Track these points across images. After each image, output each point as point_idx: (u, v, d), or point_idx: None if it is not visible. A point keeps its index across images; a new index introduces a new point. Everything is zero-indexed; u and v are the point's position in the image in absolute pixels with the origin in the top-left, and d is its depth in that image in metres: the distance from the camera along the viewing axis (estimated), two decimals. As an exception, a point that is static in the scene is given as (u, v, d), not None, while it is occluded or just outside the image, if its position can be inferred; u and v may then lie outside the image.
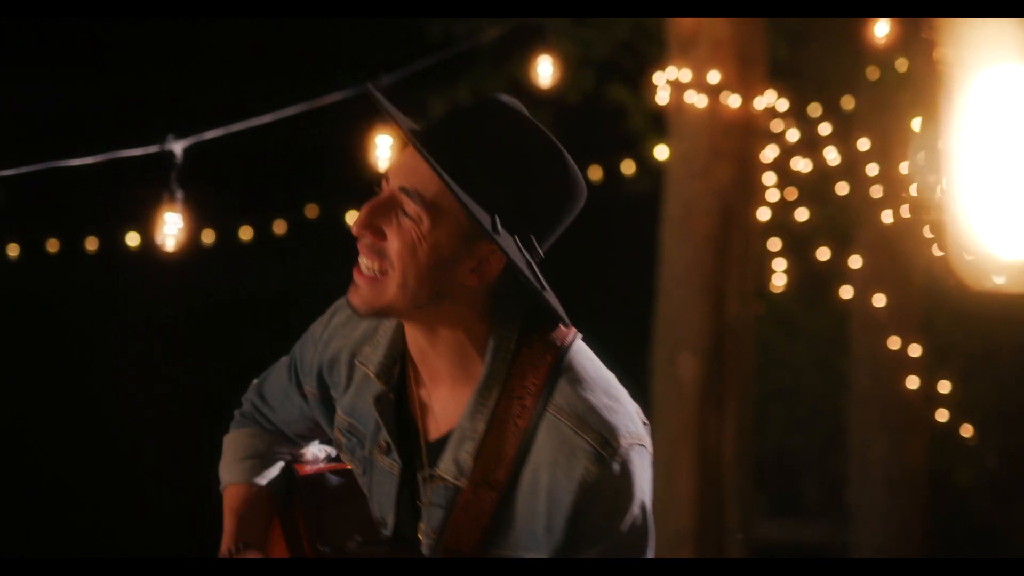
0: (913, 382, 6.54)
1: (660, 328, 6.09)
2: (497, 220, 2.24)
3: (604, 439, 2.27)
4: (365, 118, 4.92)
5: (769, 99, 6.05)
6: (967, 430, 7.01)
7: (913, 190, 6.17)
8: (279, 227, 7.42)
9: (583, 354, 2.35)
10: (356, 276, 2.29)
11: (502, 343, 2.32)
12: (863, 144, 6.36)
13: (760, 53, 5.95)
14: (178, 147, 3.51)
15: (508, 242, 2.26)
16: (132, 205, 4.62)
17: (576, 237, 2.56)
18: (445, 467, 2.32)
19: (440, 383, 2.38)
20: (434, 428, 2.38)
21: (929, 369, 6.77)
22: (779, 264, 6.79)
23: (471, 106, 2.35)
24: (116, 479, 7.83)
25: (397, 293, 2.26)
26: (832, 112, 6.95)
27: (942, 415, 6.74)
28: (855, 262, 6.66)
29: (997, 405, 7.58)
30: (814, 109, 7.09)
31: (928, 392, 6.70)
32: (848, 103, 6.97)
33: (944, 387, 6.74)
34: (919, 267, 6.65)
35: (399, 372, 2.40)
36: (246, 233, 7.16)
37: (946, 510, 7.60)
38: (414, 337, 2.37)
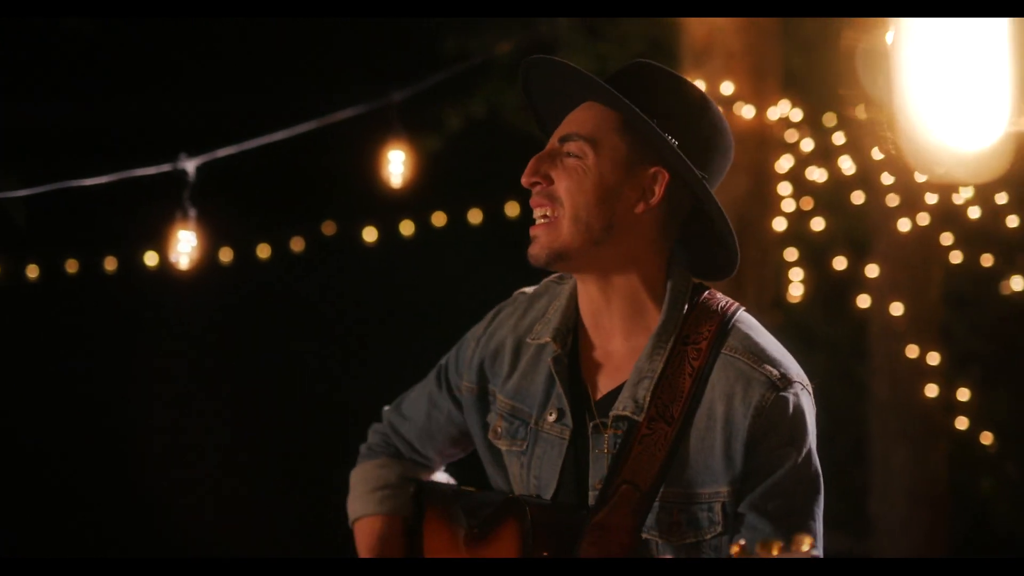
0: (932, 390, 6.51)
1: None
2: (667, 136, 2.37)
3: (780, 372, 2.39)
4: (379, 133, 4.93)
5: (783, 109, 6.04)
6: (987, 438, 6.98)
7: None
8: (296, 244, 7.43)
9: (750, 318, 2.48)
10: (532, 231, 2.43)
11: (679, 295, 2.44)
12: (878, 153, 6.34)
13: (774, 63, 5.94)
14: (190, 165, 3.52)
15: (677, 157, 2.38)
16: (149, 224, 4.64)
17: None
18: (623, 404, 2.41)
19: (613, 339, 2.47)
20: (603, 387, 2.47)
21: (948, 377, 6.74)
22: (796, 274, 6.76)
23: (629, 66, 2.50)
24: (136, 496, 7.84)
25: (571, 228, 2.39)
26: (847, 121, 6.93)
27: (962, 423, 6.70)
28: (872, 271, 6.64)
29: (1017, 413, 7.54)
30: (829, 119, 7.07)
31: (947, 400, 6.67)
32: (862, 112, 6.94)
33: (963, 395, 6.71)
34: (936, 275, 6.62)
35: (572, 340, 2.51)
36: (264, 251, 7.17)
37: (968, 519, 7.55)
38: (588, 297, 2.48)
